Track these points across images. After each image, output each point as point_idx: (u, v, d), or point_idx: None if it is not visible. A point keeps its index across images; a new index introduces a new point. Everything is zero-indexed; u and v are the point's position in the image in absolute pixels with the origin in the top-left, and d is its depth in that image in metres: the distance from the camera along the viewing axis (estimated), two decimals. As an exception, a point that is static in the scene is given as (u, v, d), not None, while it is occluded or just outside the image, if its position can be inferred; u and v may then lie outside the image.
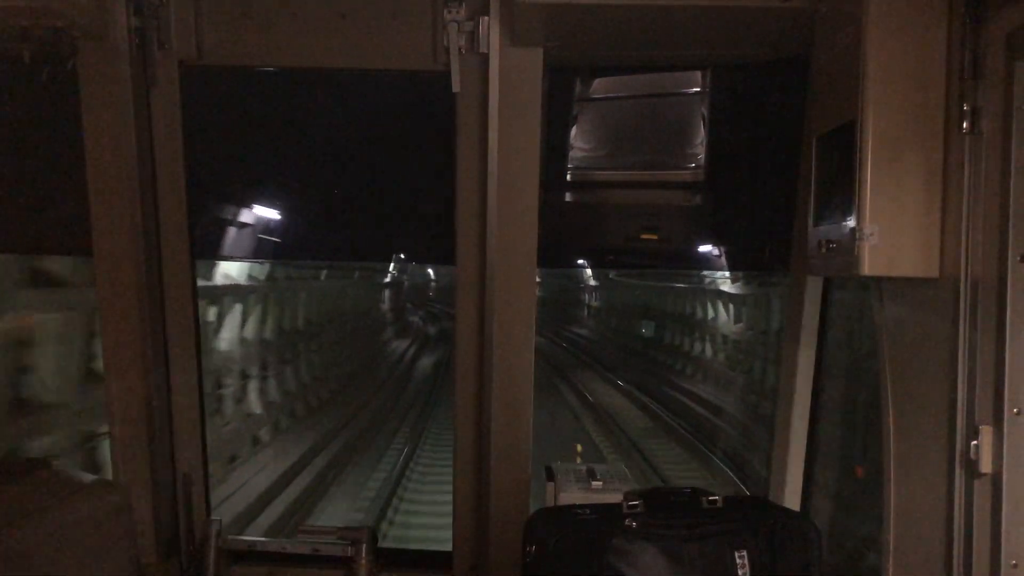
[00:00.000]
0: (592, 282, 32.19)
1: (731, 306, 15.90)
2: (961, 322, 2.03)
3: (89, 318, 7.21)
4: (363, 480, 11.97)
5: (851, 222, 2.11)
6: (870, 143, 2.07)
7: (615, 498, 2.27)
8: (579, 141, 4.14)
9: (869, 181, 2.07)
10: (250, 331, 12.72)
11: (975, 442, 2.00)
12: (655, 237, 4.54)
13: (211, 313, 11.04)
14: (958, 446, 2.05)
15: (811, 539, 2.28)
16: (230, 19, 3.00)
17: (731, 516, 2.24)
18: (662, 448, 13.59)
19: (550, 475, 2.87)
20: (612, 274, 27.88)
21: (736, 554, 2.15)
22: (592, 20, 2.73)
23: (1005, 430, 1.96)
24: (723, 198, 4.23)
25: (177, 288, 3.18)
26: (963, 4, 2.02)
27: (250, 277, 12.94)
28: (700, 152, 4.05)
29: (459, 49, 2.91)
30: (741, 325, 15.16)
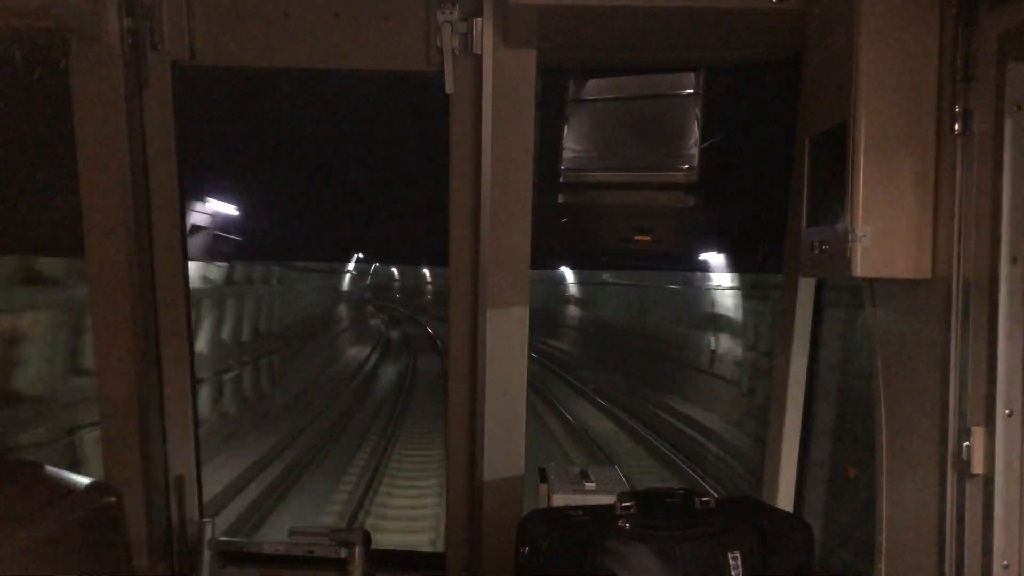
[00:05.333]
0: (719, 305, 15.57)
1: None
2: (953, 323, 2.04)
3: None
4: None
5: (843, 223, 2.12)
6: (862, 144, 2.07)
7: (608, 499, 2.27)
8: (573, 142, 4.15)
9: (861, 182, 2.07)
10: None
11: (967, 443, 2.01)
12: (649, 238, 4.55)
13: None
14: (950, 447, 2.06)
15: (804, 539, 2.28)
16: (223, 19, 3.00)
17: (724, 517, 2.24)
18: None
19: (543, 476, 2.87)
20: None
21: (729, 555, 2.15)
22: (585, 21, 2.74)
23: (997, 431, 1.96)
24: (717, 199, 4.24)
25: (169, 289, 3.18)
26: (955, 5, 2.02)
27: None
28: (694, 153, 4.06)
29: (452, 50, 2.91)
30: None
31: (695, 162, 4.04)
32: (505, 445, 3.10)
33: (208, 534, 3.10)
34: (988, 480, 1.99)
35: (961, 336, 2.03)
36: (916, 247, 2.11)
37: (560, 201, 4.20)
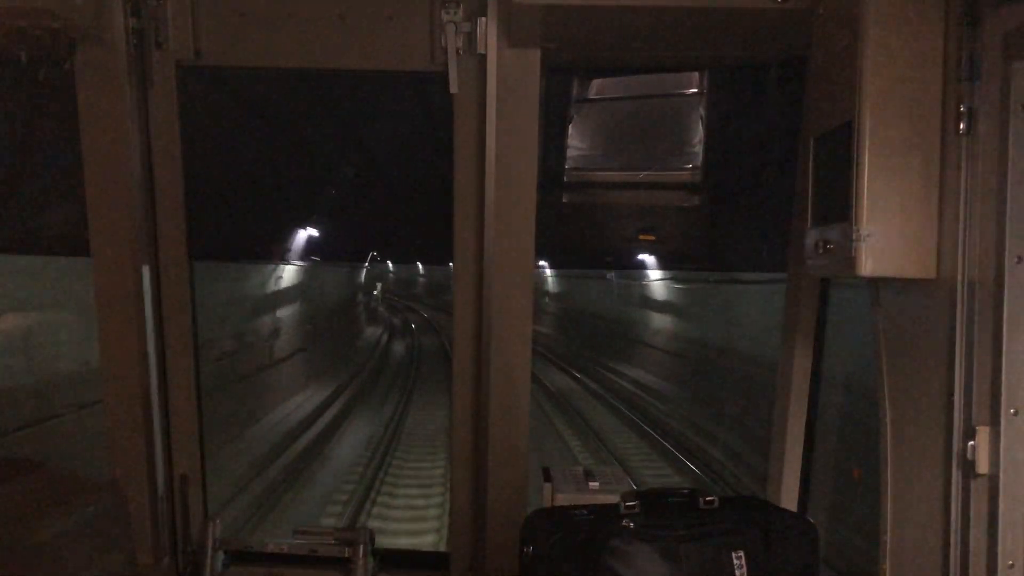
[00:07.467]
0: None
1: None
2: (958, 323, 2.03)
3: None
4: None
5: (848, 223, 2.12)
6: (867, 144, 2.07)
7: (612, 499, 2.27)
8: (577, 142, 4.15)
9: (866, 182, 2.07)
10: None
11: (972, 443, 2.01)
12: (652, 238, 4.55)
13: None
14: (955, 447, 2.05)
15: (809, 539, 2.28)
16: (227, 20, 3.00)
17: (729, 516, 2.24)
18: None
19: (547, 476, 2.87)
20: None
21: (734, 554, 2.15)
22: (590, 21, 2.74)
23: (1002, 431, 1.96)
24: (721, 198, 4.24)
25: (174, 289, 3.18)
26: (960, 5, 2.02)
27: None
28: (698, 153, 4.06)
29: (457, 50, 2.92)
30: None
31: (699, 161, 4.05)
32: (509, 445, 3.11)
33: (213, 533, 3.11)
34: (993, 480, 1.99)
35: (966, 336, 2.02)
36: (921, 247, 2.11)
37: (564, 200, 4.20)
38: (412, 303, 48.44)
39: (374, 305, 41.44)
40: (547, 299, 33.06)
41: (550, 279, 32.60)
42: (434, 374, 22.30)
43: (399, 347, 30.80)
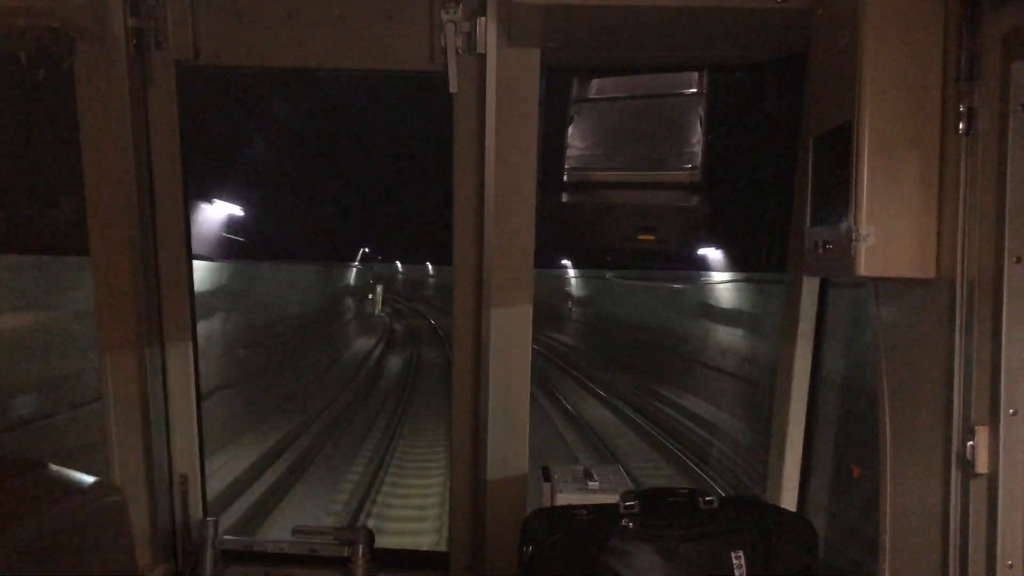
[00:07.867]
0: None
1: None
2: (957, 322, 2.04)
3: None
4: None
5: (847, 223, 2.12)
6: (867, 144, 2.07)
7: (612, 499, 2.27)
8: (577, 141, 4.15)
9: (865, 182, 2.07)
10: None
11: (971, 442, 2.01)
12: (652, 238, 4.55)
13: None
14: (954, 446, 2.06)
15: (808, 539, 2.28)
16: (227, 19, 3.00)
17: (728, 516, 2.24)
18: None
19: (547, 475, 2.87)
20: None
21: (733, 554, 2.16)
22: (589, 21, 2.74)
23: (1001, 430, 1.96)
24: (720, 199, 4.25)
25: (174, 289, 3.18)
26: (960, 5, 2.02)
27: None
28: (697, 153, 4.06)
29: (456, 50, 2.92)
30: None
31: (698, 161, 4.05)
32: (509, 444, 3.11)
33: (212, 533, 3.11)
34: (992, 479, 1.99)
35: (965, 335, 2.02)
36: (920, 246, 2.11)
37: (564, 200, 4.20)
38: (417, 305, 46.38)
39: (369, 310, 37.01)
40: (570, 303, 28.49)
41: (573, 280, 28.64)
42: (432, 402, 17.50)
43: (394, 364, 24.32)
